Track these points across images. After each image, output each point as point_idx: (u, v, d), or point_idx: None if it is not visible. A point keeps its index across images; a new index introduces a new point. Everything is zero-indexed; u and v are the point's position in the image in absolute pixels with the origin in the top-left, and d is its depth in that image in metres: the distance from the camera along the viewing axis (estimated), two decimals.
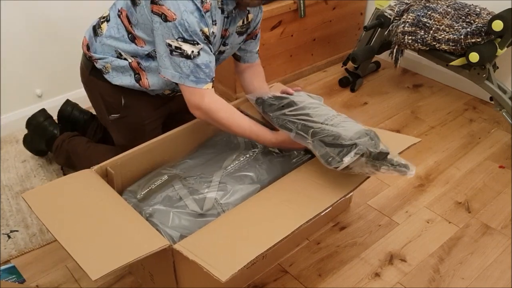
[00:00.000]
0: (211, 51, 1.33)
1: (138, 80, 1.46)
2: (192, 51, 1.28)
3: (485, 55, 1.84)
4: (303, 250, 1.54)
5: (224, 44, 1.46)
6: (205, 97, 1.33)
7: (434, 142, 2.05)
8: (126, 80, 1.47)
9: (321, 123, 1.32)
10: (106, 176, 1.36)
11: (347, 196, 1.25)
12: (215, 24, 1.32)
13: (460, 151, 2.00)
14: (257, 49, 1.61)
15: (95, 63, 1.49)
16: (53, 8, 1.98)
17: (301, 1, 2.27)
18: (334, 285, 1.43)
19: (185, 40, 1.26)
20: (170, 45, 1.27)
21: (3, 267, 1.43)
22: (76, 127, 1.84)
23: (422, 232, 1.61)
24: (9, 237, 1.56)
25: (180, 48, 1.27)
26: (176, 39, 1.26)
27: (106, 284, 1.42)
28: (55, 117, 1.88)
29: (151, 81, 1.45)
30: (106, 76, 1.48)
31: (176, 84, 1.36)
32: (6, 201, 1.70)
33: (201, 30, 1.26)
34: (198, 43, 1.28)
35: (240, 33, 1.48)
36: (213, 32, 1.32)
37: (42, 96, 2.11)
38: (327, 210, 1.18)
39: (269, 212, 1.22)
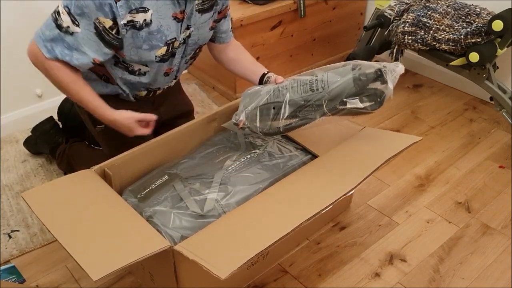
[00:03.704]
0: (105, 44, 1.23)
1: (107, 80, 1.42)
2: (68, 27, 1.20)
3: (485, 55, 1.84)
4: (303, 250, 1.54)
5: (187, 27, 1.37)
6: (45, 64, 1.25)
7: (434, 142, 2.05)
8: (100, 86, 1.43)
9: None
10: (104, 177, 1.36)
11: (347, 195, 1.25)
12: (146, 11, 1.23)
13: (460, 151, 2.00)
14: (230, 27, 1.55)
15: None
16: (53, 8, 1.97)
17: (301, 1, 2.27)
18: (334, 285, 1.43)
19: (69, 13, 1.19)
20: (57, 6, 1.22)
21: (3, 267, 1.43)
22: (75, 123, 1.84)
23: (422, 232, 1.61)
24: (10, 237, 1.56)
25: (59, 14, 1.20)
26: (64, 6, 1.20)
27: (106, 284, 1.42)
28: (55, 116, 1.89)
29: (115, 77, 1.40)
30: None
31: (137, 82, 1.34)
32: (7, 201, 1.71)
33: (97, 18, 1.18)
34: (78, 26, 1.20)
35: (202, 11, 1.37)
36: (145, 20, 1.23)
37: (42, 96, 2.11)
38: (327, 209, 1.19)
39: (270, 212, 1.22)
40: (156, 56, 1.33)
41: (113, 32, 1.23)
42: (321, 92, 1.30)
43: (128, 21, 1.22)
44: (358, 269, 1.48)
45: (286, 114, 1.34)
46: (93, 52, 1.25)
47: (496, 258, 1.52)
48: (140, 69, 1.38)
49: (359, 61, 1.32)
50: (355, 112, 1.31)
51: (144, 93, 1.49)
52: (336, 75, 1.31)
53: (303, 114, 1.34)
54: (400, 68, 1.28)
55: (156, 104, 1.58)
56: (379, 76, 1.27)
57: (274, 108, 1.36)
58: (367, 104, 1.28)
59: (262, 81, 1.49)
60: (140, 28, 1.25)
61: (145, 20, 1.24)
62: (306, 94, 1.32)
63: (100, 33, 1.22)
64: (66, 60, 1.24)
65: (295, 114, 1.34)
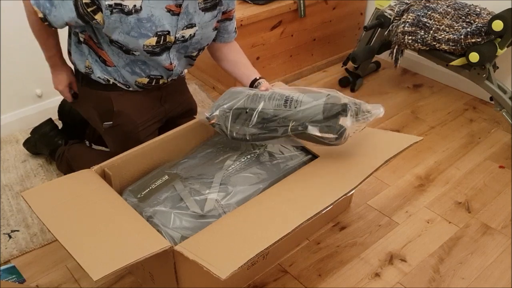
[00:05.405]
0: (77, 15, 1.28)
1: (104, 62, 1.43)
2: None
3: (485, 55, 1.84)
4: (303, 250, 1.54)
5: (191, 26, 1.37)
6: (29, 6, 1.34)
7: (434, 142, 2.05)
8: (101, 70, 1.44)
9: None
10: (104, 177, 1.36)
11: (347, 195, 1.25)
12: None
13: (460, 151, 2.00)
14: (234, 28, 1.56)
15: (79, 69, 1.49)
16: None
17: (301, 1, 2.27)
18: (334, 285, 1.43)
19: None
20: None
21: (3, 267, 1.43)
22: (75, 122, 1.84)
23: (422, 232, 1.61)
24: (10, 237, 1.56)
25: None
26: None
27: (106, 284, 1.42)
28: (55, 117, 1.89)
29: (112, 57, 1.41)
30: (93, 77, 1.47)
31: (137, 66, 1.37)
32: (7, 201, 1.71)
33: None
34: None
35: (205, 10, 1.38)
36: (134, 6, 1.24)
37: (42, 96, 2.11)
38: (327, 209, 1.19)
39: (270, 213, 1.22)
40: (144, 45, 1.33)
41: (89, 10, 1.26)
42: (291, 110, 1.32)
43: (115, 4, 1.24)
44: (358, 269, 1.48)
45: (254, 122, 1.35)
46: (67, 17, 1.30)
47: (496, 258, 1.52)
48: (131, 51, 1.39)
49: (338, 93, 1.34)
50: (316, 140, 1.32)
51: (145, 80, 1.47)
52: (310, 98, 1.32)
53: (268, 127, 1.35)
54: (380, 111, 1.31)
55: (162, 100, 1.59)
56: (344, 110, 1.27)
57: (246, 112, 1.36)
58: (327, 135, 1.29)
59: (252, 86, 1.50)
60: (129, 13, 1.26)
61: (134, 6, 1.25)
62: (277, 108, 1.33)
63: (77, 3, 1.26)
64: (44, 13, 1.31)
65: (262, 125, 1.35)
